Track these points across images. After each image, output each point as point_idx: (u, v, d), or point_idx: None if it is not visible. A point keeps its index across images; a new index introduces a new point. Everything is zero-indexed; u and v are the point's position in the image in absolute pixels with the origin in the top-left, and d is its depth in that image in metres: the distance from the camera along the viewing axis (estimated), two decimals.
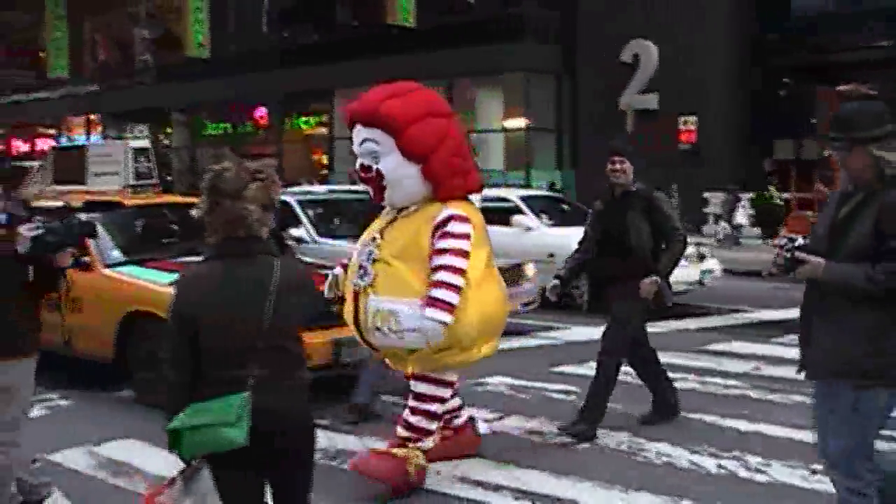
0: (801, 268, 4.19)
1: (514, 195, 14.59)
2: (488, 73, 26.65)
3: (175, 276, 7.18)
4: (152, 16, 35.59)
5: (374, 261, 5.72)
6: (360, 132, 5.86)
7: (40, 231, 4.91)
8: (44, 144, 39.21)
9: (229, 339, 3.50)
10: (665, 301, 7.08)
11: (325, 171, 28.90)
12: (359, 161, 5.91)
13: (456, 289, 5.54)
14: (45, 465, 6.23)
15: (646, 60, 25.02)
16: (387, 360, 6.21)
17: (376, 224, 6.06)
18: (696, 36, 24.24)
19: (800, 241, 4.26)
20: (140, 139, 11.60)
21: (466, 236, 5.65)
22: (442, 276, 5.55)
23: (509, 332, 10.82)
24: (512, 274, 11.10)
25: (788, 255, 4.22)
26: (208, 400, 3.45)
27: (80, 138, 37.85)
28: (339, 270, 6.29)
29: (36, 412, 8.13)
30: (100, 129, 36.94)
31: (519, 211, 13.74)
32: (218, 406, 3.44)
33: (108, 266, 8.68)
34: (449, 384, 6.11)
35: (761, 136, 25.29)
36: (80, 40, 36.72)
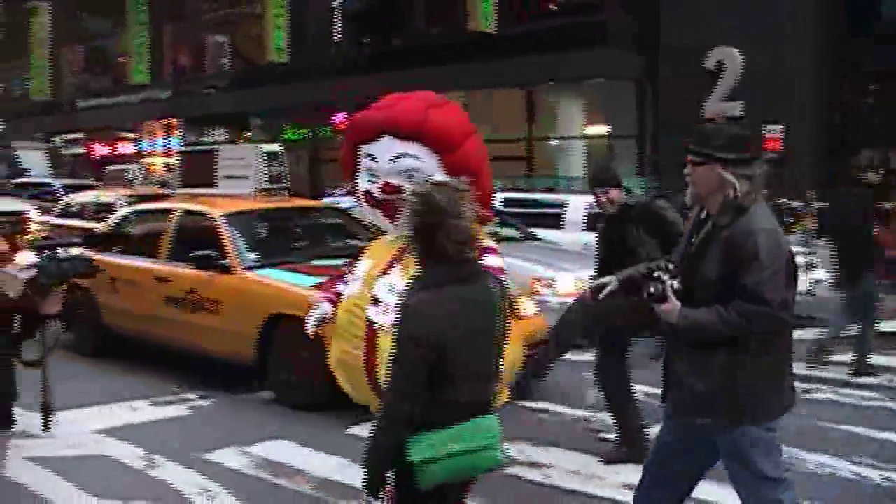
0: (661, 306, 4.03)
1: None
2: (569, 80, 26.59)
3: (319, 281, 7.35)
4: (230, 22, 35.97)
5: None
6: (392, 145, 5.16)
7: (32, 273, 4.42)
8: (124, 148, 39.86)
9: (476, 364, 3.50)
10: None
11: None
12: (384, 179, 5.20)
13: None
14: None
15: (730, 67, 24.79)
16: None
17: (378, 251, 5.19)
18: (781, 42, 24.00)
19: (668, 279, 4.05)
20: (271, 142, 11.64)
21: (502, 272, 4.89)
22: None
23: None
24: None
25: (660, 287, 4.01)
26: (447, 427, 3.41)
27: (159, 142, 38.44)
28: (327, 306, 5.43)
29: (180, 411, 8.33)
30: (178, 133, 37.39)
31: None
32: (471, 431, 3.45)
33: (248, 269, 8.81)
34: None
35: (848, 144, 24.96)
36: (160, 46, 37.17)
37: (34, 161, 33.67)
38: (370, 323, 4.84)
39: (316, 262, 8.89)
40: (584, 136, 27.43)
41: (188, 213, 9.99)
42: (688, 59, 24.77)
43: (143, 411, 8.33)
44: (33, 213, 21.04)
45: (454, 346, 3.37)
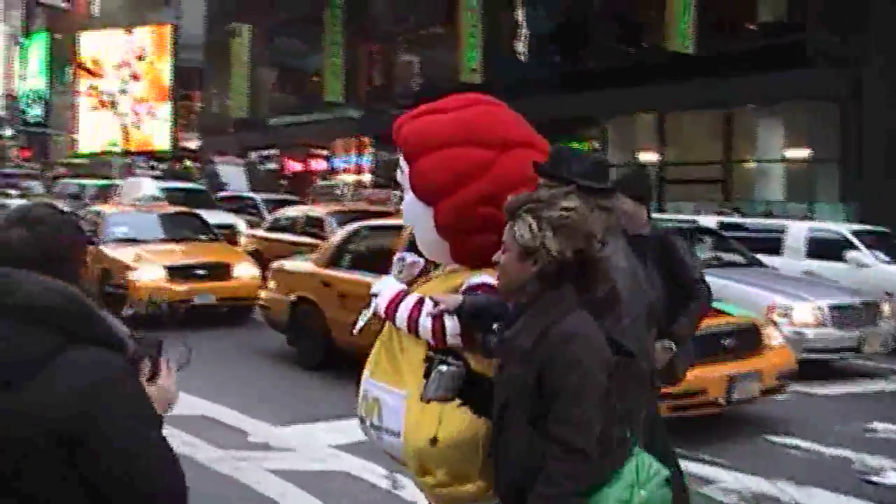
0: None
1: (844, 229, 14.03)
2: (769, 101, 25.91)
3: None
4: (421, 43, 36.49)
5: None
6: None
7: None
8: (317, 165, 40.86)
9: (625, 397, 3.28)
10: (678, 373, 5.71)
11: None
12: None
13: None
14: None
15: None
16: None
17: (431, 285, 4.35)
18: None
19: None
20: None
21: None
22: None
23: (865, 375, 10.44)
24: (866, 312, 10.67)
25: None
26: (619, 471, 3.03)
27: (352, 159, 39.24)
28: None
29: None
30: (369, 151, 38.12)
31: (851, 246, 13.18)
32: (642, 466, 3.09)
33: None
34: None
35: None
36: (353, 66, 38.01)
37: (233, 176, 34.87)
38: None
39: None
40: (784, 160, 26.65)
41: None
42: None
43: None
44: (242, 227, 21.79)
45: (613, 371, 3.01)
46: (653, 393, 5.48)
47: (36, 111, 76.70)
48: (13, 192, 44.00)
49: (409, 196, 4.22)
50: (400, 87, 37.19)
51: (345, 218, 15.44)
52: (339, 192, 23.88)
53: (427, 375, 3.23)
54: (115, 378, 2.15)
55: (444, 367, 3.21)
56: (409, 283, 4.22)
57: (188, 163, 52.76)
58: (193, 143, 54.14)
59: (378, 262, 10.13)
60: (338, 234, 11.67)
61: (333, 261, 11.02)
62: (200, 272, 14.50)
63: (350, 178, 37.78)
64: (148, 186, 21.44)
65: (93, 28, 62.01)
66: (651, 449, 5.47)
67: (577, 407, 2.83)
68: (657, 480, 3.05)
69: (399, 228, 10.34)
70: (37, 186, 46.36)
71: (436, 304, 3.76)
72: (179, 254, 15.19)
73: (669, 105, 26.65)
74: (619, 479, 2.97)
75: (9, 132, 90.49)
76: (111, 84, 58.62)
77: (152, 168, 48.03)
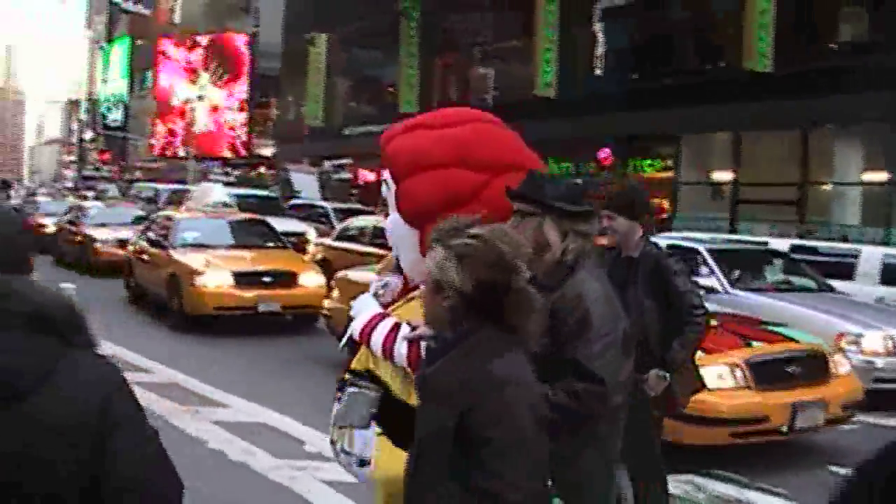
0: None
1: None
2: (847, 122, 25.46)
3: None
4: (497, 56, 36.51)
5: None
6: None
7: None
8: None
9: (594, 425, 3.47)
10: (678, 401, 5.55)
11: (664, 216, 28.55)
12: None
13: None
14: None
15: None
16: None
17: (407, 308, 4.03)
18: None
19: None
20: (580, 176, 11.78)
21: None
22: None
23: None
24: None
25: None
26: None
27: None
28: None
29: None
30: None
31: None
32: None
33: None
34: None
35: None
36: (428, 77, 38.15)
37: (306, 184, 35.13)
38: None
39: None
40: (862, 183, 26.16)
41: None
42: None
43: None
44: (312, 235, 21.93)
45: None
46: (652, 421, 5.42)
47: (116, 115, 78.27)
48: (90, 193, 44.88)
49: (394, 215, 3.96)
50: (474, 99, 37.20)
51: None
52: None
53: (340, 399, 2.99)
54: (122, 381, 2.16)
55: (354, 390, 2.94)
56: (388, 305, 3.98)
57: (262, 170, 53.40)
58: (268, 151, 54.76)
59: None
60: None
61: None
62: (267, 279, 14.60)
63: None
64: (218, 192, 21.69)
65: (173, 34, 63.10)
66: (641, 475, 5.43)
67: (509, 458, 2.57)
68: None
69: None
70: (113, 189, 47.26)
71: (413, 328, 3.46)
72: (247, 260, 15.33)
73: (745, 124, 26.32)
74: None
75: (89, 135, 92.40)
76: (189, 90, 59.56)
77: (226, 174, 48.72)
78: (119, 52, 78.42)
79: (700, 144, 29.52)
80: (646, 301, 5.34)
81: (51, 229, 25.89)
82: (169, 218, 17.44)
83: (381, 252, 15.07)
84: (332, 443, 3.82)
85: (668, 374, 5.29)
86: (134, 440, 2.11)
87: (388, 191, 4.05)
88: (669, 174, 29.88)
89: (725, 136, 28.26)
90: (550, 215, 3.59)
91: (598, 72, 32.07)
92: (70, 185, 79.66)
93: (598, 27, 32.34)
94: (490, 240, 2.72)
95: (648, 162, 30.80)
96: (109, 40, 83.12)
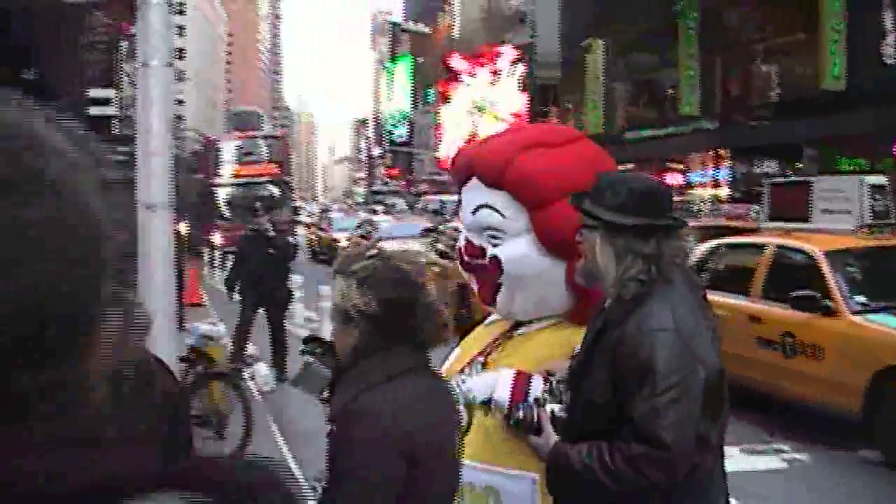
0: (532, 438, 2.93)
1: None
2: None
3: None
4: (779, 51, 35.29)
5: (469, 404, 3.36)
6: (477, 193, 3.71)
7: None
8: (672, 179, 40.47)
9: (450, 477, 2.79)
10: None
11: None
12: (465, 235, 3.83)
13: None
14: None
15: None
16: None
17: (473, 338, 3.87)
18: None
19: (546, 401, 2.96)
20: (875, 174, 11.08)
21: None
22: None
23: None
24: None
25: (530, 412, 2.95)
26: None
27: (709, 174, 38.53)
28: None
29: (773, 463, 8.05)
30: (725, 165, 37.31)
31: None
32: None
33: (855, 313, 8.34)
34: None
35: None
36: (709, 78, 37.37)
37: None
38: None
39: None
40: None
41: (783, 248, 9.66)
42: None
43: (734, 459, 8.09)
44: None
45: (426, 454, 2.57)
46: None
47: (401, 131, 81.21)
48: (378, 208, 46.75)
49: (523, 245, 3.52)
50: (757, 97, 36.15)
51: (702, 234, 15.20)
52: (695, 207, 23.38)
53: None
54: None
55: (310, 359, 2.94)
56: (487, 354, 3.62)
57: None
58: None
59: (737, 282, 9.85)
60: (696, 253, 11.35)
61: None
62: None
63: (707, 192, 37.10)
64: None
65: (453, 50, 64.75)
66: None
67: (345, 492, 2.49)
68: None
69: (761, 247, 10.00)
70: (401, 203, 49.02)
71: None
72: None
73: None
74: None
75: (377, 151, 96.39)
76: (469, 103, 60.91)
77: None
78: (402, 71, 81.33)
79: None
80: None
81: (343, 244, 27.12)
82: (456, 229, 17.85)
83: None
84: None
85: None
86: None
87: (505, 218, 3.56)
88: None
89: None
90: (603, 230, 2.88)
91: (892, 61, 30.36)
92: (360, 200, 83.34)
93: (889, 14, 30.66)
94: (389, 259, 2.72)
95: None
96: (393, 59, 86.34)
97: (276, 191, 37.08)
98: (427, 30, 68.83)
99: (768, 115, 34.74)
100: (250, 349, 11.35)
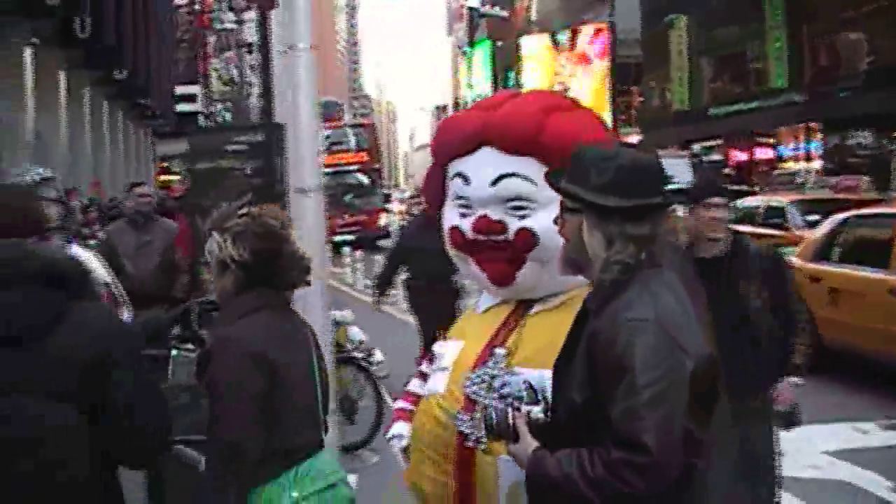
0: (510, 445, 2.63)
1: None
2: None
3: None
4: (868, 18, 34.53)
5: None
6: (494, 161, 3.46)
7: None
8: (762, 154, 39.88)
9: (305, 398, 3.27)
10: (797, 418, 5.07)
11: None
12: (480, 210, 3.49)
13: None
14: None
15: None
16: None
17: (471, 328, 3.65)
18: None
19: (524, 402, 2.71)
20: None
21: None
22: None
23: None
24: None
25: (503, 414, 2.65)
26: (284, 473, 3.10)
27: (800, 147, 37.87)
28: (402, 426, 3.75)
29: None
30: (817, 137, 36.67)
31: None
32: (312, 471, 3.15)
33: None
34: None
35: None
36: (797, 49, 36.74)
37: (677, 168, 34.83)
38: (462, 436, 3.28)
39: None
40: None
41: None
42: None
43: (874, 435, 7.98)
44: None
45: (283, 371, 3.09)
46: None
47: None
48: None
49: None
50: (846, 67, 35.44)
51: (808, 207, 15.10)
52: (800, 180, 23.03)
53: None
54: (121, 326, 2.78)
55: (176, 352, 3.56)
56: (504, 339, 3.43)
57: None
58: (633, 138, 54.78)
59: (873, 255, 9.56)
60: (825, 225, 10.91)
61: (821, 254, 10.37)
62: None
63: (799, 165, 36.48)
64: None
65: (530, 33, 64.44)
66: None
67: (224, 405, 2.97)
68: (319, 484, 3.11)
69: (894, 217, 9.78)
70: None
71: None
72: None
73: None
74: (273, 483, 3.05)
75: None
76: (551, 84, 60.65)
77: None
78: (481, 55, 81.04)
79: None
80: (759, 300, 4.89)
81: None
82: None
83: (776, 233, 14.75)
84: None
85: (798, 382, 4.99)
86: (130, 376, 2.53)
87: (536, 185, 3.35)
88: None
89: None
90: (589, 213, 2.59)
91: None
92: None
93: None
94: (257, 216, 3.15)
95: None
96: (471, 44, 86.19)
97: (364, 179, 37.42)
98: (505, 13, 68.51)
99: (858, 85, 34.06)
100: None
